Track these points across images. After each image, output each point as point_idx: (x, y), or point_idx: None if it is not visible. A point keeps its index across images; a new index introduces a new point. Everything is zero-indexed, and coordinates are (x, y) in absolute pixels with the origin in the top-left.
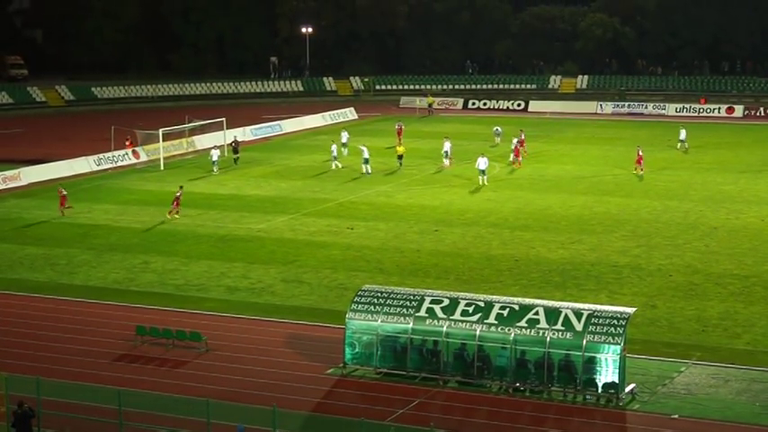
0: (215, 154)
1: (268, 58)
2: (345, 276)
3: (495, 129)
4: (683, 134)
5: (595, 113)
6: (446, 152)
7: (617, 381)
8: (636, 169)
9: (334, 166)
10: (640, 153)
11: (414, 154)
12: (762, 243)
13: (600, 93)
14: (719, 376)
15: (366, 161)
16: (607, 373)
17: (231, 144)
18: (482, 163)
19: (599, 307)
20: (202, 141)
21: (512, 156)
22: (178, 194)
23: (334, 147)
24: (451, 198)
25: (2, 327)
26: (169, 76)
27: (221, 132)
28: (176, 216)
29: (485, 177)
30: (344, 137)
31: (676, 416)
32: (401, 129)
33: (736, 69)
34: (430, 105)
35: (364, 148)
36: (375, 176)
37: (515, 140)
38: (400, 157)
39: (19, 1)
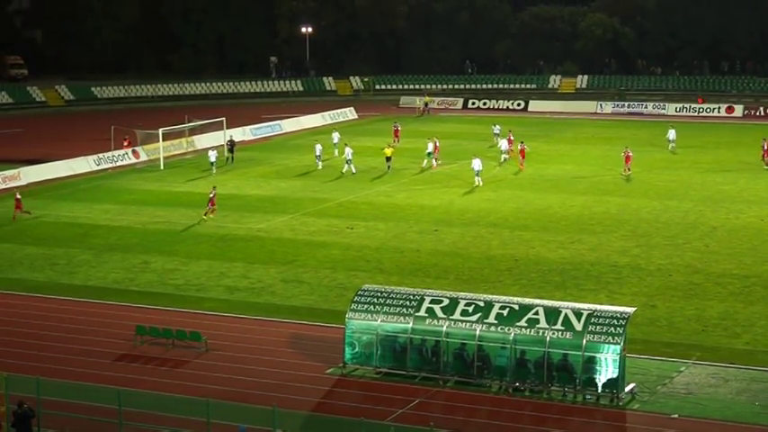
0: (212, 155)
1: (268, 58)
2: (345, 276)
3: (493, 128)
4: (671, 134)
5: (595, 113)
6: (430, 152)
7: (617, 380)
8: (624, 170)
9: (320, 166)
10: (630, 153)
11: (413, 154)
12: (761, 243)
13: (600, 92)
14: (719, 376)
15: (349, 161)
16: (607, 373)
17: (227, 144)
18: (476, 164)
19: (599, 307)
20: (202, 141)
21: (503, 156)
22: (211, 195)
23: (318, 147)
24: (451, 198)
25: (2, 327)
26: (169, 77)
27: (221, 132)
28: (212, 216)
29: (480, 178)
30: (336, 137)
31: (676, 415)
32: (398, 129)
33: (735, 69)
34: (426, 105)
35: (348, 149)
36: (375, 177)
37: (505, 141)
38: (388, 159)
39: (19, 1)
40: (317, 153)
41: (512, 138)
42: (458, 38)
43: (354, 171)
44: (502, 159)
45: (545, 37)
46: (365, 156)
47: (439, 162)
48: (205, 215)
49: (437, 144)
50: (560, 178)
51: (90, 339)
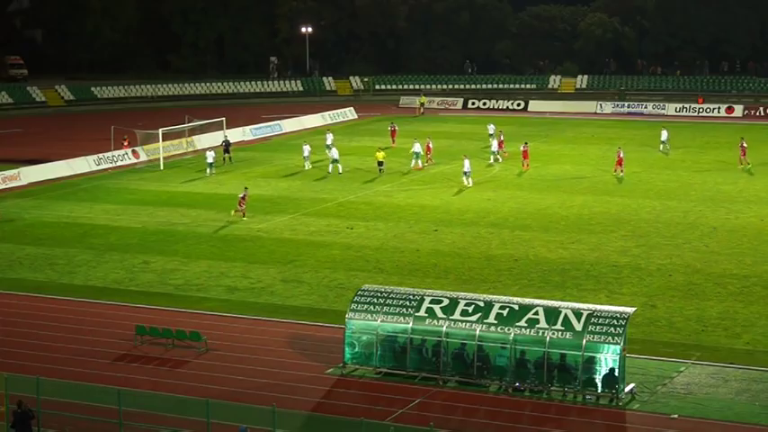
0: (210, 156)
1: (268, 58)
2: (345, 276)
3: (489, 127)
4: (664, 135)
5: (595, 113)
6: (416, 153)
7: (617, 380)
8: (616, 170)
9: (307, 167)
10: (621, 155)
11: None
12: (761, 243)
13: (599, 92)
14: (719, 376)
15: (335, 161)
16: (607, 373)
17: (222, 144)
18: (466, 165)
19: (599, 307)
20: (202, 141)
21: (492, 158)
22: (241, 196)
23: (306, 147)
24: (451, 198)
25: (2, 327)
26: (169, 76)
27: (221, 132)
28: (243, 218)
29: (470, 179)
30: (329, 138)
31: (676, 416)
32: (395, 130)
33: (735, 69)
34: (422, 105)
35: (335, 149)
36: (374, 177)
37: (496, 142)
38: (380, 163)
39: (19, 1)
40: (305, 154)
41: (502, 138)
42: (458, 38)
43: (331, 171)
44: (491, 160)
45: (545, 37)
46: (365, 156)
47: (433, 162)
48: (234, 212)
49: (430, 144)
50: (560, 178)
51: (90, 339)
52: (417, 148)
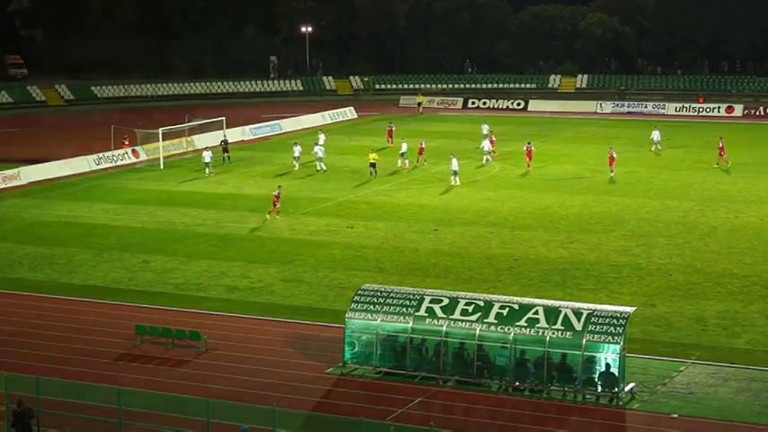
0: (207, 155)
1: (268, 57)
2: (345, 276)
3: (483, 127)
4: (656, 135)
5: (595, 113)
6: (403, 153)
7: (617, 380)
8: (612, 171)
9: (297, 167)
10: (614, 155)
11: (410, 154)
12: (761, 242)
13: (599, 92)
14: (719, 375)
15: (320, 159)
16: (607, 373)
17: (221, 144)
18: (454, 164)
19: (598, 306)
20: (202, 141)
21: (485, 157)
22: (276, 193)
23: (296, 148)
24: (451, 197)
25: (2, 327)
26: (169, 76)
27: (221, 132)
28: (276, 217)
29: (456, 178)
30: (321, 139)
31: (676, 415)
32: (392, 130)
33: (735, 69)
34: (419, 104)
35: (317, 148)
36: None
37: (487, 142)
38: (373, 165)
39: (19, 1)
40: (296, 155)
41: (494, 138)
42: (458, 38)
43: (326, 169)
44: (484, 160)
45: (545, 37)
46: (364, 155)
47: (426, 162)
48: (269, 214)
49: (423, 145)
50: (560, 178)
51: (89, 339)
52: (405, 148)
